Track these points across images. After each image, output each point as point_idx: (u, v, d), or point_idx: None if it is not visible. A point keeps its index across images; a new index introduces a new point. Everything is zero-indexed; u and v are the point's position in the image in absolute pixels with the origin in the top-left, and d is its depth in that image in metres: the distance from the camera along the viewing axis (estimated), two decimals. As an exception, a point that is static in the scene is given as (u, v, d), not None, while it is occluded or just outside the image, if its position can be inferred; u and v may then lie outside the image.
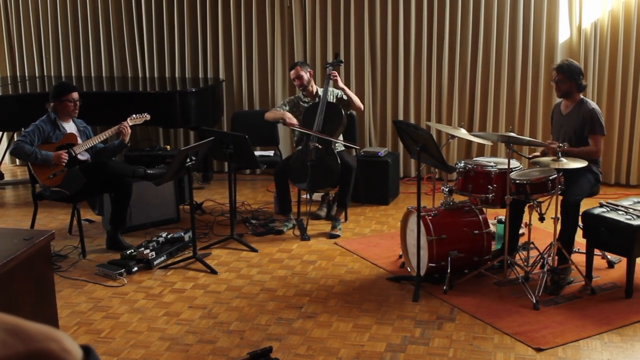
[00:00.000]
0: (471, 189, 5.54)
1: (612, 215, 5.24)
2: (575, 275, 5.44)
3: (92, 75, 9.49)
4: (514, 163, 5.58)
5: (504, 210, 5.44)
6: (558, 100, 5.98)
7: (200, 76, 9.18)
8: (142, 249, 6.07)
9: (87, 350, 1.22)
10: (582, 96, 5.73)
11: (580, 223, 5.44)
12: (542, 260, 5.35)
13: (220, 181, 8.63)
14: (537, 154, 5.93)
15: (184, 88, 8.62)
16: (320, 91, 7.03)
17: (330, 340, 4.63)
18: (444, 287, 5.29)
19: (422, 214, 5.37)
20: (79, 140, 6.40)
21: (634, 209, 5.28)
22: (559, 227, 5.29)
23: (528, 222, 5.44)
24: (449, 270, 5.34)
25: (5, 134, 9.15)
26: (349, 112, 7.15)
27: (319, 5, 8.63)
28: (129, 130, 6.48)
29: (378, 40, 8.57)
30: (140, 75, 9.38)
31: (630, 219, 5.12)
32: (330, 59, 8.27)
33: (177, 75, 9.24)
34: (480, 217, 5.51)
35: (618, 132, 8.13)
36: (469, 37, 8.30)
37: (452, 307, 5.09)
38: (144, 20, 9.21)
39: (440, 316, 4.95)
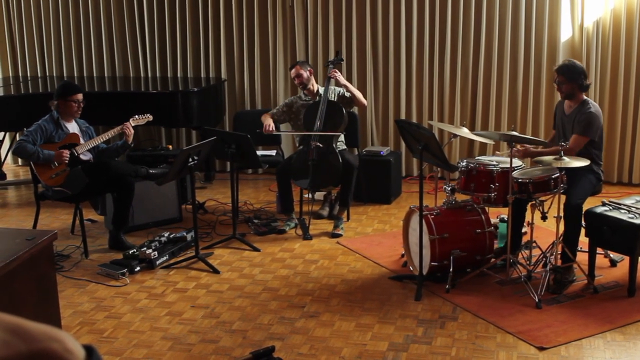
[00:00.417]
0: (473, 188, 5.54)
1: (615, 214, 5.24)
2: (577, 274, 5.44)
3: (95, 75, 9.50)
4: (517, 162, 5.58)
5: (506, 209, 5.44)
6: (562, 97, 5.95)
7: (202, 76, 9.19)
8: (145, 248, 6.08)
9: (89, 350, 1.22)
10: (585, 97, 5.69)
11: (582, 222, 5.44)
12: (544, 259, 5.35)
13: (223, 181, 8.64)
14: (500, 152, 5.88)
15: (186, 88, 8.62)
16: (322, 90, 7.03)
17: (333, 339, 4.63)
18: (447, 286, 5.29)
19: (424, 213, 5.36)
20: (82, 140, 6.40)
21: (637, 208, 5.28)
22: (561, 226, 5.28)
23: (530, 221, 5.43)
24: (451, 269, 5.34)
25: (7, 134, 9.16)
26: (350, 111, 7.14)
27: (320, 4, 8.63)
28: (132, 131, 6.49)
29: (380, 38, 8.56)
30: (142, 75, 9.38)
31: (632, 218, 5.12)
32: (332, 56, 8.27)
33: (179, 75, 9.25)
34: (483, 216, 5.51)
35: (620, 130, 8.13)
36: (471, 36, 8.30)
37: (455, 306, 5.08)
38: (145, 20, 9.21)
39: (442, 315, 4.95)
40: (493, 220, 5.81)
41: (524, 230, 6.01)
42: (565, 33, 8.10)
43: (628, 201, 5.46)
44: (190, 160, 5.87)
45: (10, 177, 9.22)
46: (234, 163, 6.67)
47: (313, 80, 7.16)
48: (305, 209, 7.16)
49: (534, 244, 5.53)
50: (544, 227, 6.28)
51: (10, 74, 9.82)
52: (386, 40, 8.56)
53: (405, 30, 8.45)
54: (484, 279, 5.46)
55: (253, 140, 6.36)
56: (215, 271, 5.87)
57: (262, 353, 2.26)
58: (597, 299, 5.16)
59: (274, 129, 6.95)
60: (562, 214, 5.24)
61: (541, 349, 4.43)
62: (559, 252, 5.35)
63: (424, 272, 5.39)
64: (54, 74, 9.63)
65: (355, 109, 7.57)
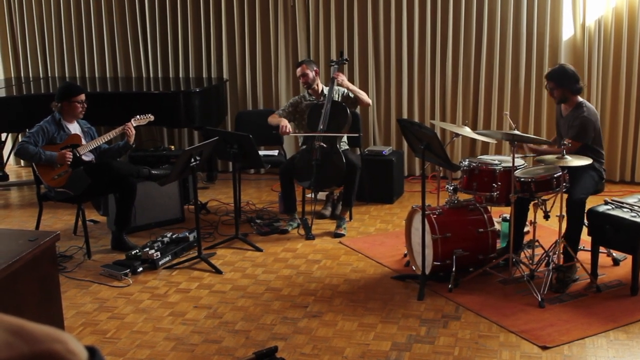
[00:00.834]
0: (476, 187, 5.54)
1: (617, 212, 5.23)
2: (580, 273, 5.44)
3: (96, 75, 9.50)
4: (519, 161, 5.58)
5: (509, 208, 5.44)
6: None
7: (204, 76, 9.19)
8: (147, 249, 6.08)
9: (92, 351, 1.22)
10: (580, 99, 5.68)
11: (585, 221, 5.43)
12: (547, 258, 5.35)
13: (225, 181, 8.64)
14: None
15: (188, 88, 8.62)
16: (326, 90, 7.02)
17: (336, 339, 4.63)
18: (449, 286, 5.28)
19: (426, 212, 5.36)
20: (83, 141, 6.41)
21: (639, 207, 5.27)
22: (564, 225, 5.28)
23: (533, 220, 5.43)
24: (454, 269, 5.34)
25: (10, 135, 9.17)
26: (353, 111, 7.14)
27: (322, 3, 8.63)
28: (133, 132, 6.48)
29: (382, 38, 8.56)
30: (144, 76, 9.39)
31: (635, 217, 5.11)
32: (334, 57, 8.27)
33: (181, 76, 9.25)
34: (485, 215, 5.51)
35: (622, 129, 8.12)
36: (473, 35, 8.29)
37: (457, 305, 5.08)
38: (147, 20, 9.22)
39: (445, 315, 4.95)
40: (495, 220, 5.81)
41: (526, 229, 6.01)
42: (567, 32, 8.10)
43: (630, 200, 5.45)
44: (193, 160, 5.87)
45: (12, 178, 9.21)
46: (236, 163, 6.67)
47: (318, 80, 7.15)
48: (307, 209, 7.16)
49: (536, 243, 5.53)
50: (547, 226, 6.28)
51: (12, 75, 9.82)
52: (388, 39, 8.56)
53: (407, 29, 8.45)
54: (486, 278, 5.46)
55: (255, 140, 6.35)
56: (218, 271, 5.87)
57: (265, 353, 2.26)
58: (600, 297, 5.16)
59: (290, 130, 6.92)
60: (564, 212, 5.23)
61: (544, 348, 4.43)
62: (562, 251, 5.34)
63: (427, 271, 5.39)
64: (56, 75, 9.63)
65: (358, 108, 7.56)
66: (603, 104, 8.03)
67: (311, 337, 4.66)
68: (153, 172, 6.91)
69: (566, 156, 5.11)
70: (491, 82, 8.35)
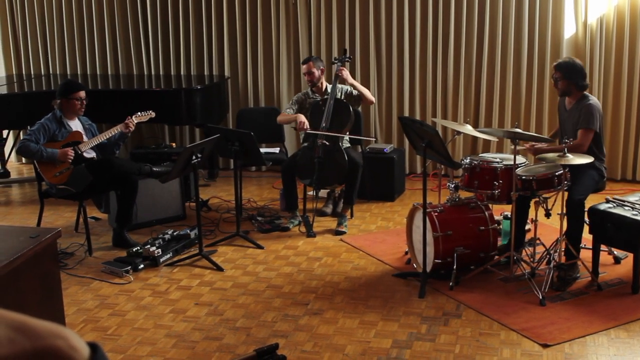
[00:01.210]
0: (477, 185, 5.54)
1: (619, 210, 5.23)
2: (581, 271, 5.43)
3: (98, 72, 9.51)
4: (520, 159, 5.57)
5: (510, 206, 5.44)
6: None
7: (205, 73, 9.19)
8: (148, 246, 6.08)
9: (94, 348, 1.22)
10: (584, 93, 5.68)
11: (586, 219, 5.43)
12: (548, 256, 5.35)
13: (226, 178, 8.64)
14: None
15: (190, 85, 8.62)
16: (329, 87, 7.01)
17: (337, 336, 4.63)
18: (450, 284, 5.28)
19: (428, 210, 5.37)
20: (85, 138, 6.41)
21: (641, 205, 5.28)
22: (565, 223, 5.28)
23: (534, 218, 5.43)
24: (455, 267, 5.34)
25: (11, 132, 9.17)
26: (356, 109, 7.13)
27: (323, 1, 8.63)
28: (133, 127, 6.45)
29: (383, 36, 8.56)
30: (145, 73, 9.39)
31: (636, 215, 5.11)
32: (335, 54, 8.28)
33: (182, 73, 9.25)
34: (486, 213, 5.51)
35: (624, 127, 8.12)
36: (475, 33, 8.29)
37: (458, 303, 5.08)
38: (149, 17, 9.22)
39: (446, 312, 4.95)
40: (497, 217, 5.81)
41: (527, 227, 6.01)
42: (569, 30, 8.09)
43: (632, 198, 5.45)
44: (194, 157, 5.87)
45: (14, 175, 9.22)
46: (237, 160, 6.67)
47: (323, 79, 7.14)
48: (309, 207, 7.16)
49: (537, 241, 5.53)
50: (548, 224, 6.28)
51: (14, 72, 9.82)
52: (389, 37, 8.56)
53: (408, 27, 8.45)
54: (487, 276, 5.46)
55: (256, 137, 6.34)
56: (219, 269, 5.87)
57: (265, 350, 2.25)
58: (601, 296, 5.16)
59: (308, 126, 6.90)
60: (565, 211, 5.23)
61: (545, 346, 4.43)
62: (563, 249, 5.34)
63: (428, 269, 5.39)
64: (57, 72, 9.64)
65: (360, 107, 7.55)
66: (605, 103, 8.01)
67: (312, 335, 4.66)
68: (154, 169, 6.92)
69: (567, 154, 5.11)
70: (493, 79, 8.34)
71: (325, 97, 6.95)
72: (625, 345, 4.44)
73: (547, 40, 8.11)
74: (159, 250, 6.04)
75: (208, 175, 8.71)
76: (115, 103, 8.04)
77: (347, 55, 7.30)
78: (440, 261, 5.35)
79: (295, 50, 8.88)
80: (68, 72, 9.59)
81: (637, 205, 5.26)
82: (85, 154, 6.34)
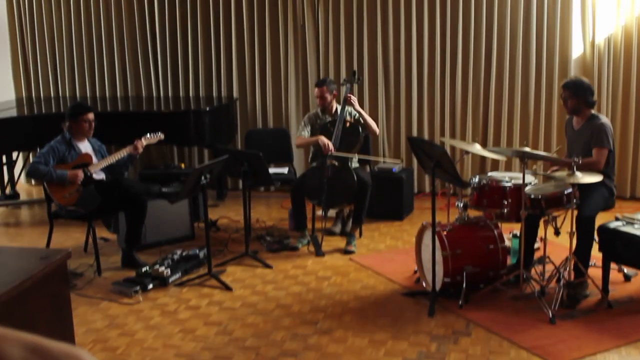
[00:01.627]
0: (486, 204, 5.54)
1: (628, 228, 5.22)
2: (591, 289, 5.41)
3: (107, 95, 9.57)
4: (529, 178, 5.57)
5: (519, 224, 5.43)
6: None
7: (214, 95, 9.23)
8: (157, 266, 6.09)
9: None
10: (593, 112, 5.70)
11: (595, 237, 5.42)
12: (558, 274, 5.33)
13: (235, 198, 8.65)
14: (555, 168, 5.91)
15: (198, 107, 8.67)
16: (339, 108, 7.02)
17: (346, 355, 4.61)
18: (460, 302, 5.27)
19: (436, 229, 5.36)
20: (94, 160, 6.43)
21: (650, 222, 5.26)
22: (574, 242, 5.26)
23: (543, 237, 5.41)
24: (464, 285, 5.33)
25: (20, 154, 9.21)
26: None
27: (332, 22, 8.68)
28: (142, 149, 6.48)
29: (391, 56, 8.59)
30: (154, 95, 9.44)
31: (646, 232, 5.10)
32: (344, 75, 8.31)
33: (191, 94, 9.30)
34: (495, 231, 5.50)
35: (633, 146, 8.12)
36: (482, 53, 8.32)
37: (468, 321, 5.07)
38: (157, 39, 9.28)
39: (455, 331, 4.93)
40: (506, 236, 5.80)
41: (536, 245, 6.00)
42: (577, 49, 8.12)
43: (641, 216, 5.45)
44: (203, 178, 5.89)
45: (23, 197, 9.26)
46: (246, 181, 6.69)
47: (334, 102, 7.14)
48: (317, 226, 7.17)
49: (547, 260, 5.51)
50: (557, 243, 6.26)
51: (24, 95, 9.89)
52: (397, 57, 8.59)
53: (416, 47, 8.48)
54: (497, 295, 5.45)
55: (264, 157, 6.36)
56: (228, 288, 5.87)
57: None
58: (611, 313, 5.14)
59: (333, 148, 6.91)
60: (574, 229, 5.22)
61: (555, 364, 4.41)
62: (572, 267, 5.33)
63: (437, 288, 5.38)
64: (67, 95, 9.70)
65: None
66: (613, 122, 8.01)
67: (321, 354, 4.65)
68: (163, 190, 6.94)
69: (577, 173, 5.10)
70: (501, 99, 8.36)
71: (335, 118, 6.97)
72: (637, 363, 4.42)
73: (555, 59, 8.13)
74: (168, 270, 6.05)
75: (217, 195, 8.74)
76: (124, 125, 8.07)
77: (357, 76, 7.31)
78: (449, 280, 5.34)
79: (303, 71, 8.92)
80: (77, 95, 9.65)
81: (647, 223, 5.25)
82: (94, 176, 6.36)
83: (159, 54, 9.32)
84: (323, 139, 6.86)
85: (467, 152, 6.22)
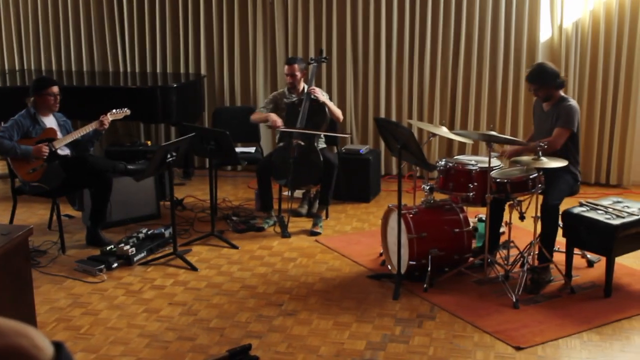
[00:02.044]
0: (452, 187, 5.55)
1: (592, 214, 5.27)
2: (554, 275, 5.46)
3: (73, 69, 9.43)
4: (495, 162, 5.59)
5: (485, 208, 5.45)
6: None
7: (181, 71, 9.14)
8: (122, 245, 6.05)
9: (58, 347, 1.21)
10: (562, 93, 5.72)
11: (560, 222, 5.46)
12: (522, 259, 5.37)
13: (201, 177, 8.60)
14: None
15: (165, 83, 8.59)
16: (306, 88, 6.99)
17: (311, 338, 4.62)
18: (424, 286, 5.29)
19: (402, 211, 5.37)
20: (59, 135, 6.35)
21: (614, 209, 5.31)
22: (539, 226, 5.30)
23: (508, 221, 5.44)
24: (429, 269, 5.35)
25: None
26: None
27: (300, 1, 8.62)
28: (107, 124, 6.41)
29: (360, 37, 8.56)
30: (121, 70, 9.33)
31: (609, 219, 5.15)
32: (312, 54, 8.28)
33: (158, 71, 9.20)
34: (461, 215, 5.52)
35: (598, 131, 8.17)
36: (451, 35, 8.31)
37: (432, 305, 5.09)
38: (125, 14, 9.16)
39: (420, 314, 4.96)
40: (471, 220, 5.83)
41: (502, 230, 6.03)
42: (545, 33, 8.15)
43: (605, 202, 5.49)
44: (169, 156, 5.84)
45: (-14, 172, 9.14)
46: (212, 160, 6.65)
47: (302, 81, 7.11)
48: (284, 207, 7.15)
49: (511, 244, 5.54)
50: (522, 227, 6.30)
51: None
52: (366, 38, 8.56)
53: (385, 29, 8.46)
54: (461, 279, 5.48)
55: (232, 136, 6.32)
56: (193, 268, 5.85)
57: (238, 351, 2.25)
58: (574, 299, 5.19)
59: (282, 124, 6.88)
60: (539, 214, 5.25)
61: (518, 348, 4.45)
62: (537, 252, 5.36)
63: (402, 271, 5.40)
64: (32, 67, 9.55)
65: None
66: (580, 107, 8.02)
67: (286, 336, 4.65)
68: (129, 167, 6.88)
69: (542, 157, 5.13)
70: (469, 82, 8.37)
71: (302, 97, 6.94)
72: (598, 349, 4.46)
73: (523, 43, 8.15)
74: (133, 249, 6.01)
75: (183, 174, 8.67)
76: (90, 100, 7.97)
77: (324, 55, 7.30)
78: (414, 263, 5.36)
79: (272, 50, 8.86)
80: (43, 68, 9.50)
81: (610, 210, 5.30)
82: (59, 151, 6.28)
83: (126, 28, 9.20)
84: (273, 116, 6.87)
85: (434, 135, 6.23)
